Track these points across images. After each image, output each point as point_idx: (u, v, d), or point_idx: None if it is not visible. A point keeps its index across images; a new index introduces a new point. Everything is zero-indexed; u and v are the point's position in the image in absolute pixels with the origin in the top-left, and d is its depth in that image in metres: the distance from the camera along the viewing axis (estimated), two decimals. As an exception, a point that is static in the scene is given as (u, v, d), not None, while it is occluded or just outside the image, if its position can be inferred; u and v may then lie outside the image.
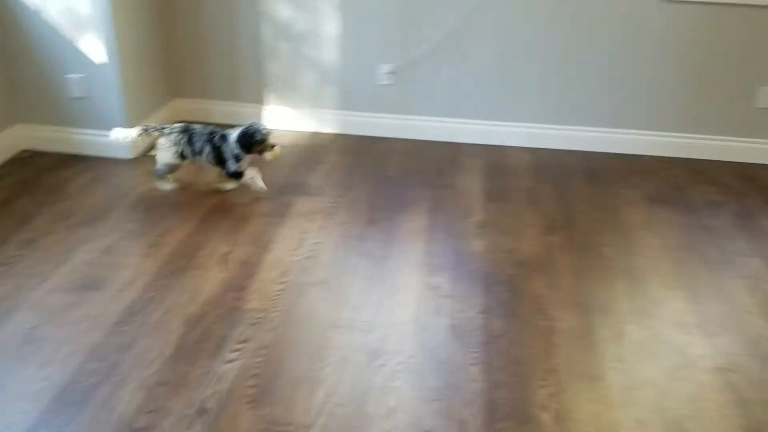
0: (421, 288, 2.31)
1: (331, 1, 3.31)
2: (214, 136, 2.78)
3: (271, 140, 2.77)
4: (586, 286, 2.34)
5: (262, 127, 2.75)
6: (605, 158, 3.35)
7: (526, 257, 2.50)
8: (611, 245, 2.59)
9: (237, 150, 2.74)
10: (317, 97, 3.55)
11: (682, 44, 3.17)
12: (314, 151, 3.35)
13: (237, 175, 2.81)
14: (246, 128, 2.74)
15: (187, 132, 2.79)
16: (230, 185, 2.88)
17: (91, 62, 3.00)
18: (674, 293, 2.31)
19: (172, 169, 2.84)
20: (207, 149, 2.78)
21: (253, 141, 2.73)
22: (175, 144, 2.78)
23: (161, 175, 2.85)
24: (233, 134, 2.75)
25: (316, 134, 3.55)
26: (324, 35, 3.39)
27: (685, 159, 3.35)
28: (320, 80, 3.51)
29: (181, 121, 2.90)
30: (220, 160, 2.80)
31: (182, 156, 2.80)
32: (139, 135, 2.82)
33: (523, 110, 3.43)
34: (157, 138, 2.82)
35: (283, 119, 3.61)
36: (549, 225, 2.73)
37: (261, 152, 2.77)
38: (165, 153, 2.80)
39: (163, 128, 2.81)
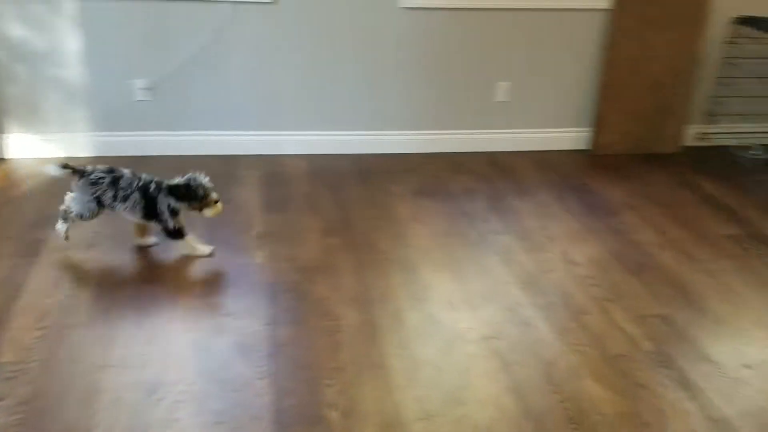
0: (200, 310, 2.21)
1: (69, 17, 3.03)
2: (149, 186, 2.41)
3: (214, 195, 2.47)
4: (366, 282, 2.43)
5: (204, 181, 2.44)
6: (375, 159, 3.53)
7: (308, 262, 2.53)
8: (386, 239, 2.73)
9: (174, 203, 2.41)
10: (66, 119, 3.23)
11: (427, 48, 3.45)
12: (67, 179, 3.03)
13: (177, 235, 2.47)
14: (187, 181, 2.42)
15: (112, 173, 2.41)
16: (152, 240, 2.56)
17: None
18: (442, 275, 2.50)
19: (82, 216, 2.44)
20: (135, 197, 2.40)
21: (194, 197, 2.42)
22: (93, 184, 2.39)
23: (66, 218, 2.45)
24: (170, 184, 2.42)
25: (69, 160, 3.21)
26: (67, 53, 3.10)
27: (445, 153, 3.66)
28: (68, 101, 3.20)
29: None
30: (151, 212, 2.43)
31: (98, 201, 2.40)
32: (59, 172, 2.40)
33: (294, 118, 3.48)
34: (76, 180, 2.42)
35: (29, 147, 3.23)
36: (328, 228, 2.80)
37: (201, 209, 2.46)
38: (79, 194, 2.41)
39: (84, 170, 2.41)
